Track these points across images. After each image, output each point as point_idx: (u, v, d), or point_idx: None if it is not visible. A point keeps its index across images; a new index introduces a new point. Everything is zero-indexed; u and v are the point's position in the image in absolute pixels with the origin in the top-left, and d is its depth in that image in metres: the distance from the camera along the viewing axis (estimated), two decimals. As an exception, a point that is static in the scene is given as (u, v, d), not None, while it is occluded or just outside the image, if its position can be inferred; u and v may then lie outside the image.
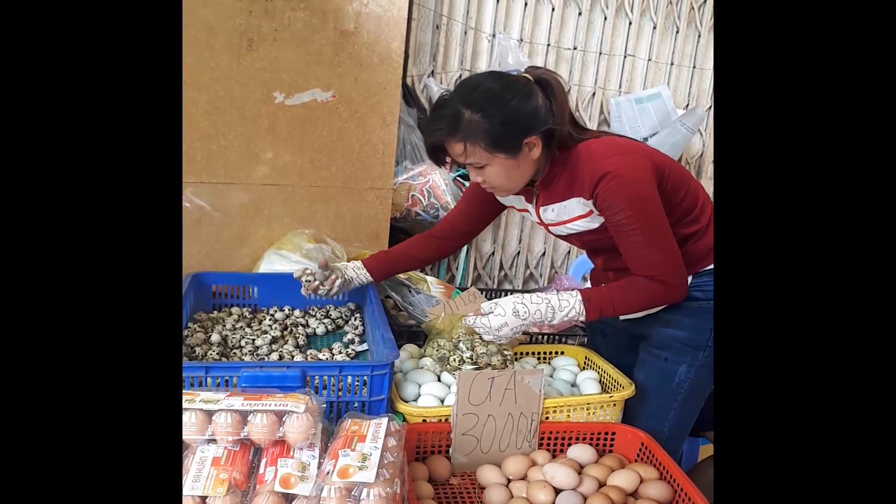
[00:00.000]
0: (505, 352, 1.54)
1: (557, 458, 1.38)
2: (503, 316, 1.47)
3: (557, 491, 1.28)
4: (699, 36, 3.02)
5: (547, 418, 1.45)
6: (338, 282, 1.71)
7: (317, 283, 1.70)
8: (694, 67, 3.07)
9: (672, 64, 3.01)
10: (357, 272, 1.76)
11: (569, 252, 3.05)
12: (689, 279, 1.53)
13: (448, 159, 1.48)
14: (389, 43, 2.09)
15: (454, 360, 1.52)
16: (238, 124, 2.04)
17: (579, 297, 1.47)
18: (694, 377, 1.59)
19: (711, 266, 1.56)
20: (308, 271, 1.71)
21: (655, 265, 1.44)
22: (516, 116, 1.37)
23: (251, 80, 2.02)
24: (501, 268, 2.95)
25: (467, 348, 1.52)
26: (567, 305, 1.46)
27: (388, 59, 2.10)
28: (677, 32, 2.98)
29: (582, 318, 1.48)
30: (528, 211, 1.60)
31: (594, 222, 1.48)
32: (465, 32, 2.55)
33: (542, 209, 1.54)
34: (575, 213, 1.48)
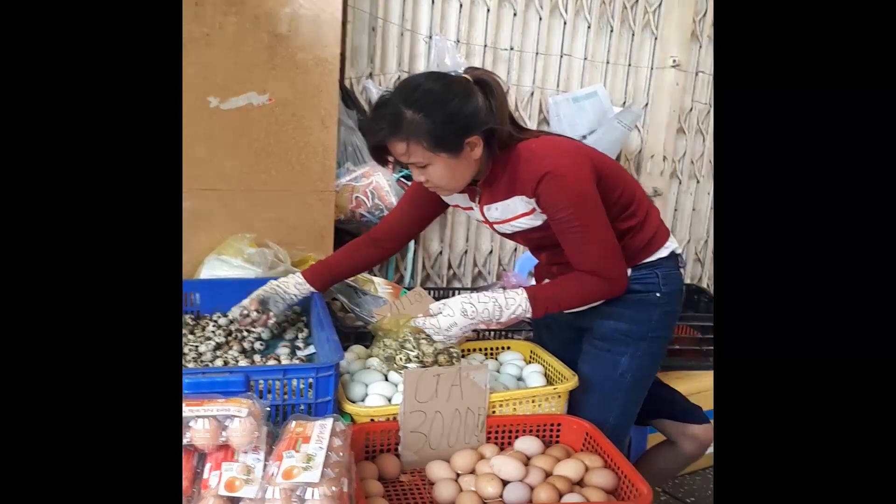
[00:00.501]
0: (451, 350, 1.55)
1: (505, 451, 1.40)
2: (452, 316, 1.48)
3: (505, 483, 1.29)
4: (633, 34, 3.10)
5: (494, 412, 1.47)
6: (272, 321, 1.69)
7: (250, 318, 1.67)
8: (629, 65, 3.14)
9: (608, 62, 3.08)
10: (300, 288, 1.72)
11: (515, 249, 3.08)
12: (629, 272, 1.56)
13: (391, 159, 1.48)
14: (324, 45, 2.08)
15: (400, 359, 1.53)
16: (174, 130, 2.01)
17: (525, 294, 1.49)
18: (636, 367, 1.63)
19: (649, 259, 1.60)
20: (244, 312, 1.67)
21: (596, 261, 1.47)
22: (457, 116, 1.38)
23: (185, 86, 1.97)
24: (450, 267, 2.96)
25: (413, 347, 1.53)
26: (514, 303, 1.48)
27: (324, 61, 2.09)
28: (612, 31, 3.05)
29: (529, 315, 1.50)
30: (472, 209, 1.62)
31: (537, 220, 1.51)
32: (402, 34, 2.56)
33: (486, 207, 1.56)
34: (518, 210, 1.51)
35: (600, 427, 1.48)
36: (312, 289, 1.72)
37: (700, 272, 3.71)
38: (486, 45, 2.75)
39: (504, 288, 1.92)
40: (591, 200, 1.45)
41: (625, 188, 1.55)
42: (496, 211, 1.54)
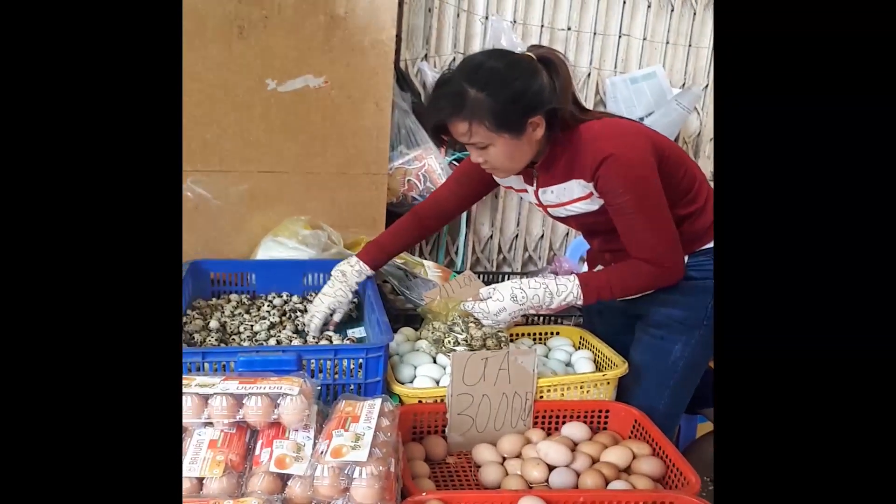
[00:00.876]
0: (500, 334, 1.56)
1: (552, 437, 1.40)
2: (501, 301, 1.48)
3: (551, 468, 1.30)
4: (694, 14, 3.01)
5: (541, 397, 1.47)
6: (337, 316, 1.71)
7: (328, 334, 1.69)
8: (689, 46, 3.05)
9: (667, 43, 3.00)
10: (360, 276, 1.71)
11: (567, 234, 3.05)
12: (686, 259, 1.54)
13: (446, 139, 1.48)
14: (380, 27, 2.09)
15: (449, 342, 1.54)
16: (231, 112, 2.05)
17: (577, 281, 1.48)
18: (689, 355, 1.60)
19: (708, 245, 1.57)
20: (326, 334, 1.69)
21: (653, 248, 1.45)
22: (522, 95, 1.36)
23: (243, 68, 2.02)
24: (500, 251, 2.95)
25: (462, 331, 1.54)
26: (565, 290, 1.47)
27: (380, 43, 2.10)
28: (672, 10, 2.96)
29: (580, 303, 1.49)
30: (526, 191, 1.60)
31: (594, 204, 1.49)
32: (458, 15, 2.54)
33: (541, 191, 1.54)
34: (575, 195, 1.49)
35: (650, 414, 1.47)
36: (369, 271, 1.73)
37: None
38: (542, 26, 2.71)
39: (555, 273, 1.92)
40: (651, 186, 1.42)
41: (686, 172, 1.53)
42: (551, 194, 1.53)
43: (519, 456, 1.36)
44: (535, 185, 1.55)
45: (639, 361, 1.63)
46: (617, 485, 1.24)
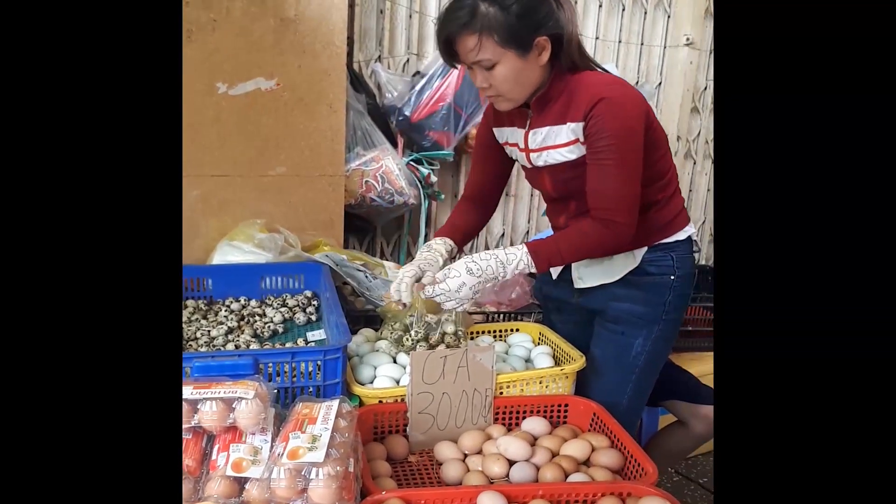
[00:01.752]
0: (458, 330, 1.56)
1: (512, 432, 1.41)
2: (459, 277, 1.47)
3: (512, 463, 1.30)
4: (645, 13, 3.06)
5: (501, 393, 1.48)
6: (427, 277, 1.57)
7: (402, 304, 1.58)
8: (642, 44, 3.10)
9: (620, 41, 3.05)
10: (446, 243, 1.67)
11: (527, 232, 3.08)
12: (643, 252, 1.57)
13: (457, 62, 1.49)
14: (332, 29, 2.08)
15: (407, 339, 1.54)
16: (183, 116, 2.02)
17: (525, 248, 1.49)
18: (650, 350, 1.62)
19: (667, 240, 1.59)
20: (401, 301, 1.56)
21: (615, 199, 1.44)
22: (532, 11, 1.39)
23: (193, 72, 1.99)
24: (461, 251, 2.95)
25: (420, 328, 1.54)
26: (514, 258, 1.47)
27: (331, 45, 2.09)
28: (623, 10, 3.01)
29: (532, 270, 1.49)
30: (517, 146, 1.60)
31: (574, 153, 1.49)
32: (410, 16, 2.55)
33: (531, 132, 1.54)
34: (561, 139, 1.49)
35: (613, 409, 1.48)
36: (454, 245, 1.70)
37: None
38: (495, 27, 2.74)
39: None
40: (634, 139, 1.44)
41: (664, 155, 1.56)
42: (539, 136, 1.53)
43: (480, 452, 1.37)
44: (527, 126, 1.55)
45: (600, 357, 1.65)
46: (576, 477, 1.25)
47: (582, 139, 1.46)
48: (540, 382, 1.53)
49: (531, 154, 1.56)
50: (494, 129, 1.67)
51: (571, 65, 1.48)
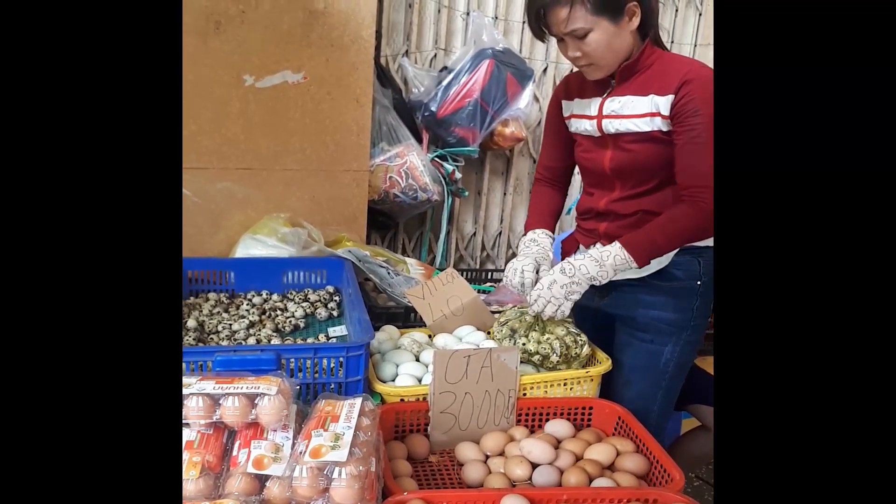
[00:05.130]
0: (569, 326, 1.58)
1: (535, 434, 1.39)
2: (550, 275, 1.49)
3: (535, 466, 1.28)
4: (676, 10, 3.01)
5: (525, 395, 1.46)
6: (543, 271, 1.61)
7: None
8: (672, 42, 3.06)
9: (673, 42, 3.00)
10: (547, 236, 1.70)
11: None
12: (675, 252, 1.54)
13: (546, 35, 1.50)
14: (360, 22, 2.06)
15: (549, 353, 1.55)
16: (209, 108, 2.02)
17: (618, 244, 1.49)
18: (678, 356, 1.61)
19: (697, 244, 1.56)
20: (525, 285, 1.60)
21: (706, 175, 1.42)
22: None
23: (220, 63, 1.99)
24: (483, 248, 2.94)
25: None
26: (609, 255, 1.48)
27: (360, 38, 2.08)
28: (676, 11, 2.97)
29: (634, 265, 1.48)
30: (587, 116, 1.59)
31: (648, 126, 1.48)
32: (439, 11, 2.53)
33: (609, 99, 1.54)
34: (639, 110, 1.49)
35: (645, 416, 1.46)
36: (553, 234, 1.72)
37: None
38: (524, 22, 2.70)
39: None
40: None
41: None
42: (617, 103, 1.52)
43: (502, 454, 1.35)
44: (606, 93, 1.55)
45: (629, 365, 1.63)
46: (601, 482, 1.23)
47: (665, 113, 1.45)
48: (564, 384, 1.50)
49: (603, 120, 1.55)
50: (563, 102, 1.67)
51: (656, 38, 1.51)
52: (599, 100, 1.56)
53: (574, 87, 1.63)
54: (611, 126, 1.54)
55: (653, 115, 1.47)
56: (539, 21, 1.46)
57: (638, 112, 1.49)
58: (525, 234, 1.70)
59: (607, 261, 1.47)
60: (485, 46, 2.37)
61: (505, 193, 2.89)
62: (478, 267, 2.91)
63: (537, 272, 1.56)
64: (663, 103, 1.45)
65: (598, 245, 1.59)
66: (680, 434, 2.21)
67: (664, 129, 1.47)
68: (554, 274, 1.49)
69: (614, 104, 1.53)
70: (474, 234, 2.90)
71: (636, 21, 1.44)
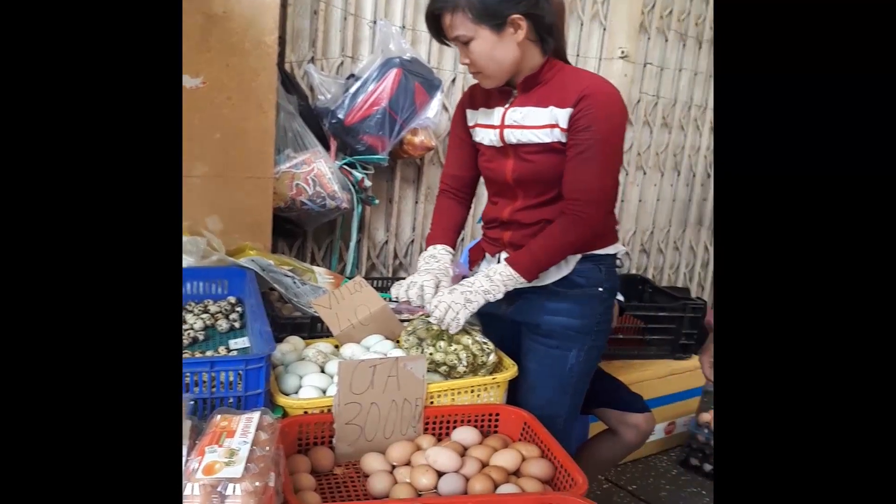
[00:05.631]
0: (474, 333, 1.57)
1: (442, 442, 1.38)
2: (454, 288, 1.52)
3: (440, 474, 1.27)
4: (581, 24, 3.09)
5: (432, 403, 1.44)
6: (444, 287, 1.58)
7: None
8: (577, 56, 3.14)
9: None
10: (447, 251, 1.68)
11: (462, 240, 3.06)
12: (577, 260, 1.58)
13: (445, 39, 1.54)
14: (262, 28, 2.01)
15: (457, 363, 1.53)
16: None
17: (504, 263, 1.53)
18: (584, 361, 1.64)
19: (597, 252, 1.61)
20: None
21: (589, 190, 1.48)
22: None
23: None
24: (396, 256, 2.92)
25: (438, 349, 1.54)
26: (501, 276, 1.52)
27: (262, 44, 2.03)
28: (582, 25, 3.04)
29: (523, 281, 1.53)
30: (490, 125, 1.60)
31: (547, 138, 1.50)
32: (345, 18, 2.50)
33: (511, 109, 1.55)
34: (539, 122, 1.50)
35: (552, 421, 1.48)
36: (452, 250, 1.71)
37: (646, 263, 3.75)
38: (432, 32, 2.72)
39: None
40: (619, 137, 1.51)
41: (620, 167, 1.60)
42: (518, 114, 1.54)
43: (409, 463, 1.33)
44: (508, 103, 1.56)
45: (534, 371, 1.64)
46: (506, 488, 1.23)
47: (563, 126, 1.48)
48: (472, 391, 1.50)
49: (505, 130, 1.57)
50: (468, 112, 1.68)
51: (558, 53, 1.54)
52: (502, 110, 1.57)
53: (479, 97, 1.65)
54: (512, 136, 1.55)
55: (552, 126, 1.49)
56: (435, 26, 1.50)
57: (538, 123, 1.51)
58: (426, 250, 1.70)
59: (496, 277, 1.51)
60: (392, 55, 2.36)
61: (416, 202, 2.88)
62: (390, 275, 2.89)
63: (437, 288, 1.55)
64: (562, 116, 1.47)
65: (505, 254, 1.61)
66: (588, 438, 2.24)
67: (563, 140, 1.50)
68: (455, 287, 1.52)
69: (516, 115, 1.55)
70: (386, 242, 2.88)
71: (521, 34, 1.45)
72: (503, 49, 1.46)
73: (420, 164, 2.82)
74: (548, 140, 1.51)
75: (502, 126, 1.57)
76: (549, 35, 1.49)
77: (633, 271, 3.60)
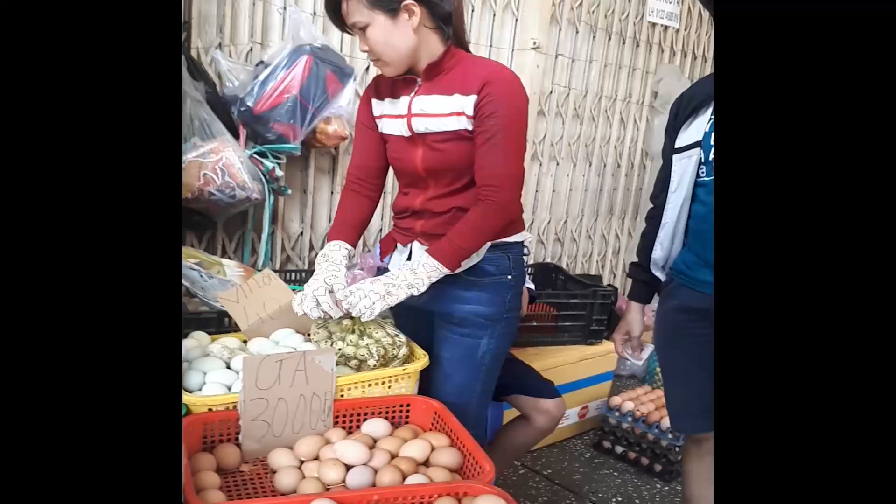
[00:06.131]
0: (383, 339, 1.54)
1: (352, 435, 1.37)
2: (376, 279, 1.51)
3: (349, 467, 1.26)
4: (494, 15, 3.12)
5: (342, 396, 1.43)
6: (338, 293, 1.54)
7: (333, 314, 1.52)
8: (491, 46, 3.16)
9: (469, 42, 3.08)
10: (341, 248, 1.65)
11: (380, 230, 3.05)
12: (486, 248, 1.60)
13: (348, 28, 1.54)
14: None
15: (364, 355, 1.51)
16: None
17: (426, 254, 1.52)
18: (495, 347, 1.66)
19: (505, 240, 1.63)
20: (326, 315, 1.52)
21: (502, 175, 1.50)
22: None
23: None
24: (312, 248, 2.87)
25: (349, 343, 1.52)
26: (423, 267, 1.51)
27: (165, 28, 1.95)
28: (472, 11, 3.05)
29: (446, 271, 1.52)
30: (397, 115, 1.60)
31: (454, 125, 1.51)
32: (254, 4, 2.43)
33: (417, 98, 1.55)
34: (445, 110, 1.51)
35: (465, 409, 1.49)
36: (351, 247, 1.68)
37: (560, 252, 3.82)
38: (344, 20, 2.68)
39: (362, 269, 1.89)
40: (524, 122, 1.52)
41: (524, 153, 1.61)
42: (423, 102, 1.54)
43: (317, 458, 1.32)
44: (414, 93, 1.56)
45: (447, 359, 1.66)
46: (414, 479, 1.23)
47: (469, 113, 1.49)
48: (383, 384, 1.50)
49: (412, 119, 1.56)
50: (374, 102, 1.66)
51: (459, 42, 1.55)
52: (408, 99, 1.58)
53: (384, 87, 1.64)
54: (420, 125, 1.56)
55: (458, 114, 1.51)
56: (336, 14, 1.51)
57: (444, 111, 1.52)
58: (324, 247, 1.68)
59: (420, 270, 1.51)
60: (303, 42, 2.32)
61: (332, 192, 2.85)
62: (306, 267, 2.84)
63: (330, 294, 1.52)
64: (467, 103, 1.49)
65: (417, 244, 1.62)
66: (502, 424, 2.28)
67: (470, 128, 1.51)
68: (377, 279, 1.51)
69: (422, 103, 1.55)
70: (301, 233, 2.83)
71: (416, 20, 1.47)
72: (399, 35, 1.47)
73: (335, 154, 2.78)
74: (455, 128, 1.52)
75: (409, 115, 1.57)
76: (447, 23, 1.51)
77: (549, 260, 3.67)
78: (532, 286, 2.36)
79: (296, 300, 1.53)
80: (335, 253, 1.63)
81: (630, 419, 2.73)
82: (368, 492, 1.13)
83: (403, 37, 1.48)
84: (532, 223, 3.57)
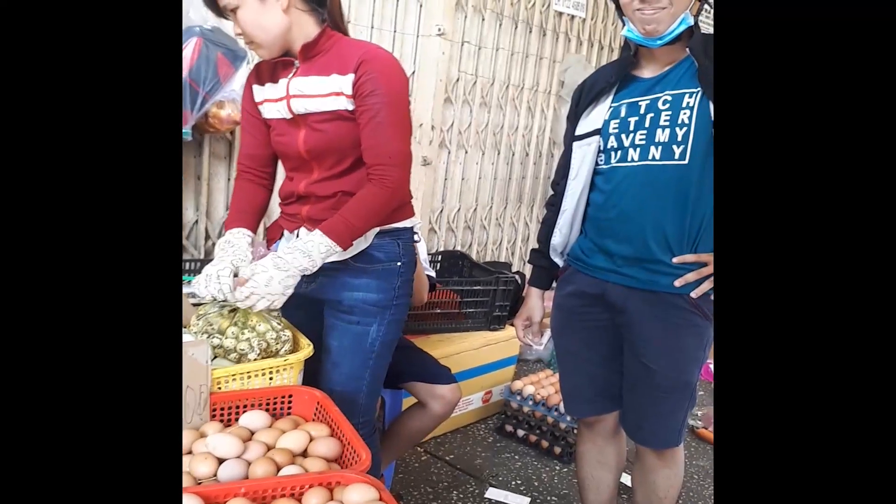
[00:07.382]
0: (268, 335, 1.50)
1: (228, 428, 1.34)
2: (266, 272, 1.44)
3: (222, 461, 1.23)
4: (398, 0, 3.09)
5: (220, 389, 1.40)
6: (242, 273, 1.51)
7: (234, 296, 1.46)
8: (395, 31, 3.13)
9: (373, 27, 3.05)
10: (244, 235, 1.62)
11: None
12: (375, 234, 1.59)
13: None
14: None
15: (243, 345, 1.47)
16: None
17: (319, 232, 1.48)
18: (384, 334, 1.65)
19: (394, 225, 1.62)
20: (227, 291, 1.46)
21: (389, 153, 1.49)
22: None
23: None
24: (208, 237, 2.79)
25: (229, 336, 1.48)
26: (314, 244, 1.47)
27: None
28: (398, 2, 3.02)
29: (338, 249, 1.50)
30: (277, 98, 1.58)
31: (334, 105, 1.50)
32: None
33: (294, 79, 1.54)
34: (323, 90, 1.51)
35: (354, 397, 1.48)
36: (252, 233, 1.64)
37: (470, 239, 3.85)
38: (241, 1, 2.60)
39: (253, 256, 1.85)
40: (405, 100, 1.52)
41: (411, 133, 1.60)
42: (301, 83, 1.53)
43: (190, 453, 1.28)
44: (292, 74, 1.55)
45: (337, 347, 1.64)
46: (289, 470, 1.21)
47: (348, 93, 1.49)
48: (264, 375, 1.47)
49: (291, 100, 1.55)
50: (255, 88, 1.64)
51: (336, 25, 1.56)
52: (286, 81, 1.56)
53: (264, 72, 1.62)
54: (300, 105, 1.54)
55: (337, 94, 1.50)
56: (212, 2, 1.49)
57: (323, 92, 1.51)
58: (223, 235, 1.65)
59: (313, 251, 1.48)
60: (192, 24, 2.24)
61: (229, 178, 2.77)
62: (202, 257, 2.76)
63: (235, 275, 1.50)
64: (345, 83, 1.49)
65: (303, 230, 1.59)
66: (401, 411, 2.28)
67: (350, 108, 1.51)
68: (269, 271, 1.45)
69: (300, 84, 1.54)
70: (196, 221, 2.74)
71: (285, 1, 1.47)
72: (269, 17, 1.47)
73: (231, 140, 2.71)
74: (334, 108, 1.51)
75: (288, 96, 1.56)
76: (321, 5, 1.51)
77: (459, 248, 3.69)
78: (433, 273, 2.36)
79: (199, 283, 1.49)
80: (240, 240, 1.60)
81: (531, 402, 2.78)
82: (236, 484, 1.10)
83: (274, 18, 1.47)
84: (441, 211, 3.58)
